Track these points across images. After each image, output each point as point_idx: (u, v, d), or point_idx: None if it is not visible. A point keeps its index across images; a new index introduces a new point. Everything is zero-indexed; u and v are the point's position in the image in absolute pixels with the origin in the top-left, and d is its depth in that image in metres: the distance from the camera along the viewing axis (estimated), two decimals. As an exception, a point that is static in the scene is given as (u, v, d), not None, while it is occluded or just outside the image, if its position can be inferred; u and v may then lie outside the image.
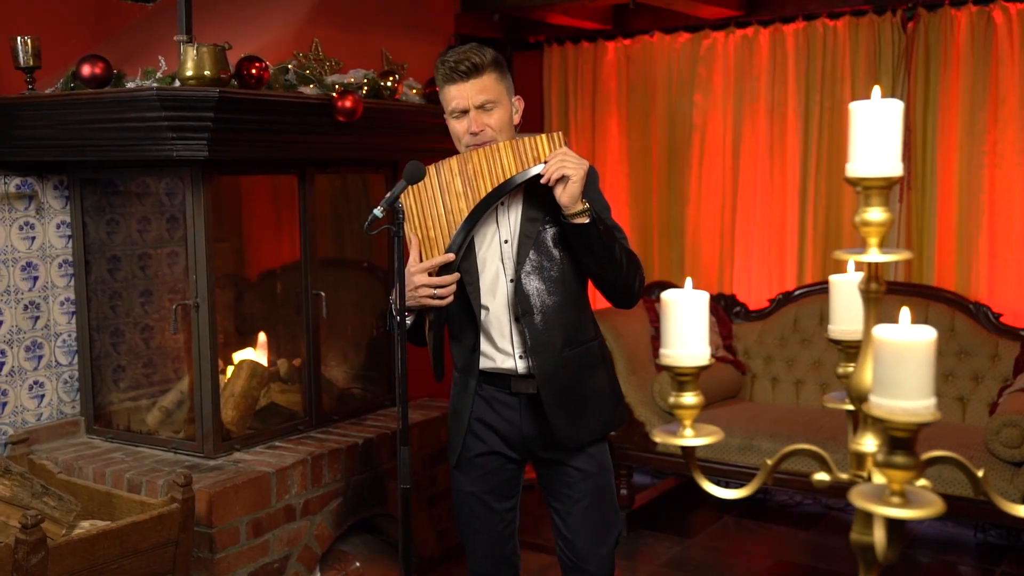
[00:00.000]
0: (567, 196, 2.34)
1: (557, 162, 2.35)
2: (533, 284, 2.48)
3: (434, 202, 2.46)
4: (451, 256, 2.43)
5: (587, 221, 2.36)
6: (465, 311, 2.54)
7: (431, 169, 2.45)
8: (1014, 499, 3.68)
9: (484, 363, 2.56)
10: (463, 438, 2.62)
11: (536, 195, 2.46)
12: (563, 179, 2.34)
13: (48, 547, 2.58)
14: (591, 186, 2.48)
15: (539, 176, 2.38)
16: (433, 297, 2.42)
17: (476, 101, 2.44)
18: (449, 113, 2.50)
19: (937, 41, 4.54)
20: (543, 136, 2.42)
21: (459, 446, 2.63)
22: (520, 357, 2.52)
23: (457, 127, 2.50)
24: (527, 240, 2.48)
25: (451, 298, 2.44)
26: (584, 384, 2.57)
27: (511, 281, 2.50)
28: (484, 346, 2.55)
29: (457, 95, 2.46)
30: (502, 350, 2.53)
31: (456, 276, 2.45)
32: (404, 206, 2.40)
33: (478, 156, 2.43)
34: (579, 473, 2.59)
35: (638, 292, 2.54)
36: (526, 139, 2.43)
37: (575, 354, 2.54)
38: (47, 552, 2.57)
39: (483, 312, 2.53)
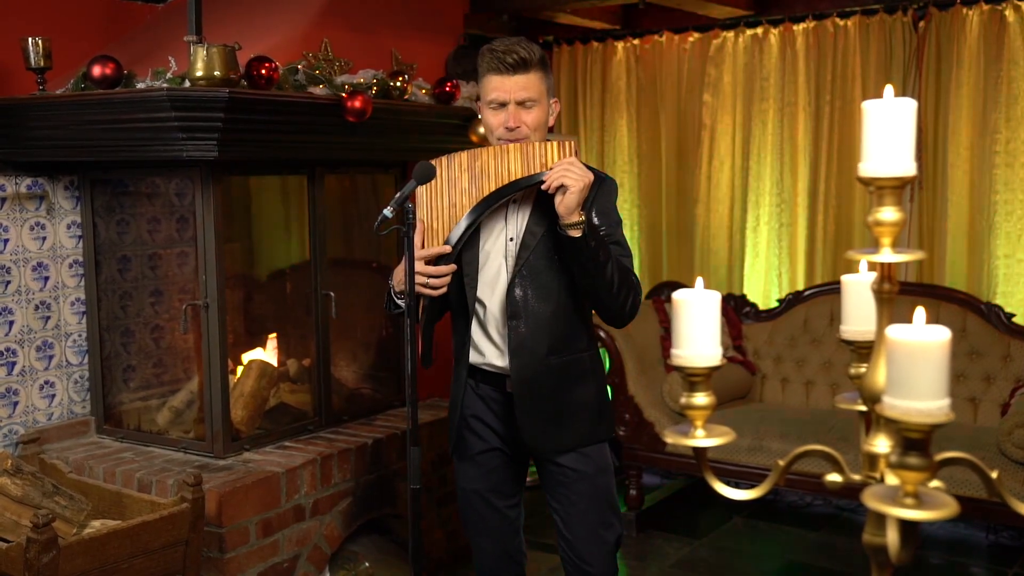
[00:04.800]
0: (563, 206, 2.33)
1: (560, 170, 2.33)
2: (525, 288, 2.47)
3: (441, 194, 2.46)
4: (447, 248, 2.43)
5: (578, 235, 2.34)
6: (462, 302, 2.55)
7: (442, 161, 2.45)
8: (1026, 500, 3.66)
9: (476, 358, 2.57)
10: (457, 428, 2.64)
11: (546, 202, 2.45)
12: (562, 188, 2.32)
13: (59, 546, 2.59)
14: (606, 200, 2.48)
15: (542, 182, 2.37)
16: (425, 286, 2.41)
17: (518, 97, 2.43)
18: (487, 103, 2.47)
19: (948, 40, 4.52)
20: (554, 143, 2.40)
21: (454, 436, 2.65)
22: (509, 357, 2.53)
23: (492, 119, 2.47)
24: (527, 245, 2.47)
25: (443, 290, 2.43)
26: (565, 394, 2.55)
27: (510, 281, 2.49)
28: (480, 340, 2.56)
29: (499, 87, 2.43)
30: (497, 346, 2.54)
31: (451, 268, 2.44)
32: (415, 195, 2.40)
33: (487, 155, 2.43)
34: (575, 474, 2.58)
35: (628, 315, 2.49)
36: (536, 145, 2.42)
37: (560, 362, 2.52)
38: (58, 551, 2.58)
39: (482, 307, 2.53)
